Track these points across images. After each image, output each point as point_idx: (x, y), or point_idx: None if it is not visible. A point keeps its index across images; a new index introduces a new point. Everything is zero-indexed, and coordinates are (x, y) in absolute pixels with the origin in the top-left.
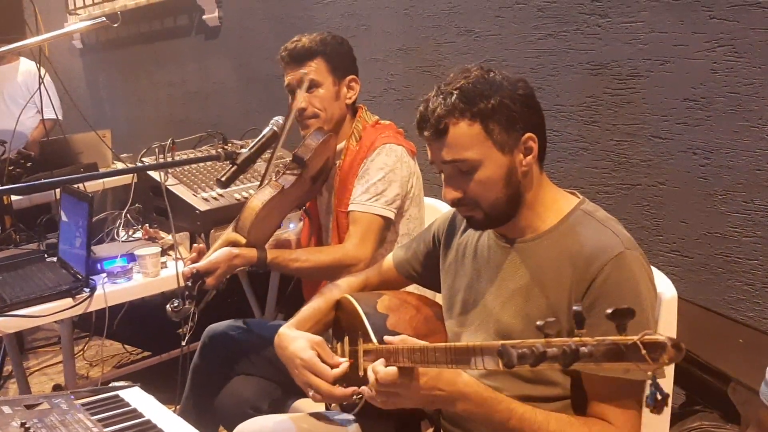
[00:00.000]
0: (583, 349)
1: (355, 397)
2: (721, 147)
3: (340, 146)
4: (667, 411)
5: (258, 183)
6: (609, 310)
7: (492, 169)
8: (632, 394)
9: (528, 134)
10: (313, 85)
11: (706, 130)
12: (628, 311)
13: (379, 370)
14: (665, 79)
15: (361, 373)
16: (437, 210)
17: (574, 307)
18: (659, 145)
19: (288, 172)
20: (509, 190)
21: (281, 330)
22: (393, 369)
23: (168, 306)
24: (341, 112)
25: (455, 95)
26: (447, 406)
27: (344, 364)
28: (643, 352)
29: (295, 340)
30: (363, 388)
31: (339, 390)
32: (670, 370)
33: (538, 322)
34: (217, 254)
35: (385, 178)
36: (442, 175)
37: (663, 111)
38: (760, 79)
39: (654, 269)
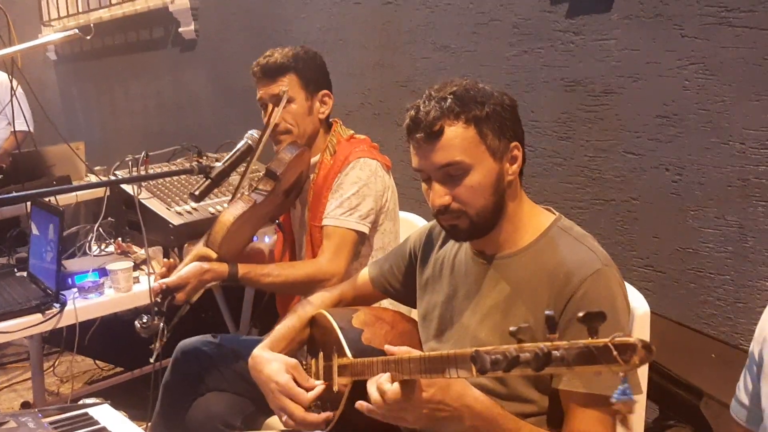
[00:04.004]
0: (555, 352)
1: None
2: (692, 163)
3: (314, 160)
4: (641, 425)
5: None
6: (581, 314)
7: (483, 174)
8: (607, 406)
9: (515, 143)
10: (286, 101)
11: (678, 147)
12: (599, 314)
13: (386, 389)
14: (638, 95)
15: (335, 389)
16: (413, 224)
17: (547, 312)
18: (632, 160)
19: (261, 186)
20: (496, 197)
21: (255, 352)
22: (396, 386)
23: (137, 322)
24: (314, 127)
25: (450, 99)
26: (452, 425)
27: (319, 387)
28: (615, 353)
29: (270, 362)
30: (364, 403)
31: (312, 416)
32: (643, 385)
33: (511, 328)
34: (187, 269)
35: (359, 192)
36: (424, 185)
37: (636, 127)
38: (730, 97)
39: (627, 284)
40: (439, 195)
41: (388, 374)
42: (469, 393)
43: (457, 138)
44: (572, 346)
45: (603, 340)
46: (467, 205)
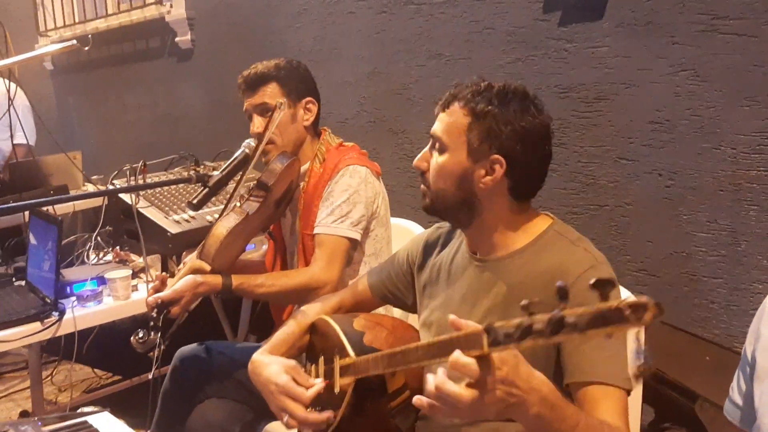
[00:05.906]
0: (568, 319)
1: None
2: (684, 168)
3: (303, 168)
4: (637, 428)
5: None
6: (592, 280)
7: (452, 162)
8: (617, 396)
9: (497, 156)
10: (269, 110)
11: (670, 152)
12: (609, 281)
13: (464, 362)
14: (630, 102)
15: (336, 390)
16: (406, 230)
17: (558, 283)
18: (625, 166)
19: (252, 197)
20: (459, 193)
21: (254, 356)
22: (471, 359)
23: (132, 338)
24: (299, 135)
25: (473, 88)
26: (517, 413)
27: (319, 384)
28: (627, 312)
29: (269, 365)
30: (422, 398)
31: (314, 415)
32: (639, 388)
33: (523, 302)
34: (181, 283)
35: (350, 199)
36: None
37: (628, 133)
38: (721, 103)
39: (622, 288)
40: (421, 157)
41: (458, 350)
42: (536, 375)
43: (451, 118)
44: (585, 312)
45: (615, 302)
46: (431, 181)
